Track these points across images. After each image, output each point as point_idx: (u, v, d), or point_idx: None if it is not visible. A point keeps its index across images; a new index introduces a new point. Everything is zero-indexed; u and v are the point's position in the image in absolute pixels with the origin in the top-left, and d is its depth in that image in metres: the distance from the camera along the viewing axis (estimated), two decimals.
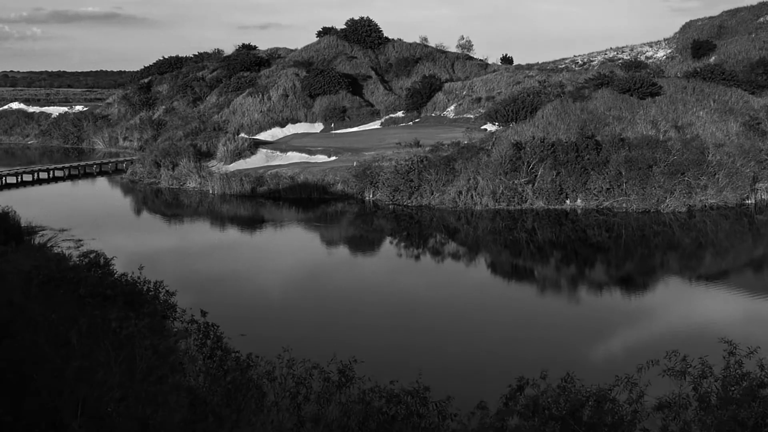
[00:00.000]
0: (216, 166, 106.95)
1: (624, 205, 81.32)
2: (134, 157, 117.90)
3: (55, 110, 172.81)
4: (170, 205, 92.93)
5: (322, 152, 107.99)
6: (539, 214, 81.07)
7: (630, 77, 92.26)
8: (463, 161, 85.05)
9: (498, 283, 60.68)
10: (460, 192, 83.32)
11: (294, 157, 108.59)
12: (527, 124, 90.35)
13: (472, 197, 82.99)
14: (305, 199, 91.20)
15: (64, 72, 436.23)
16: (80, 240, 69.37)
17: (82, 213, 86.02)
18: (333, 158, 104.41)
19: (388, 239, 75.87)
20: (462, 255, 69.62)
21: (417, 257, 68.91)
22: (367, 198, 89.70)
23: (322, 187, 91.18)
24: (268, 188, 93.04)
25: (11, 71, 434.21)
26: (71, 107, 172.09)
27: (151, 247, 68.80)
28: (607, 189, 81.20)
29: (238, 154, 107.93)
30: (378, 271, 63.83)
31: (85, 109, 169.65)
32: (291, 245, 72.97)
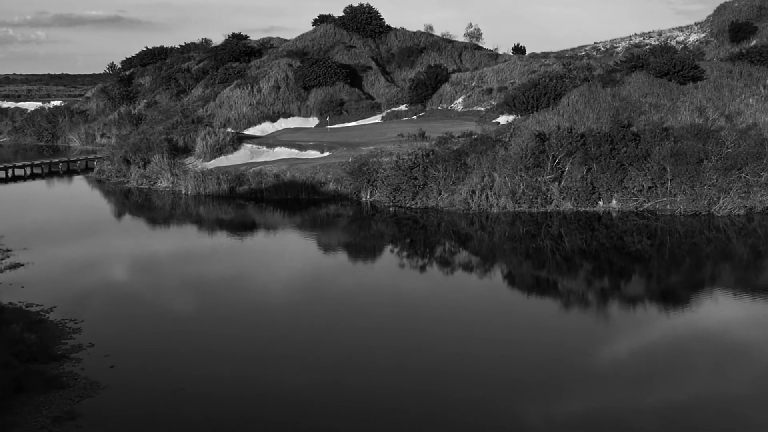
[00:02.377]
0: (193, 163, 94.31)
1: (669, 206, 68.43)
2: (101, 155, 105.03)
3: (31, 105, 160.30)
4: (134, 208, 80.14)
5: (314, 147, 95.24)
6: (567, 218, 68.37)
7: (668, 59, 79.26)
8: (477, 155, 72.17)
9: (517, 301, 48.70)
10: (473, 191, 70.50)
11: (282, 153, 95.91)
12: (550, 112, 77.59)
13: (487, 198, 70.17)
14: (292, 201, 78.47)
15: (66, 75, 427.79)
16: (9, 251, 56.88)
17: (29, 218, 73.37)
18: (326, 154, 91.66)
19: (388, 248, 63.39)
20: (475, 266, 57.39)
21: (422, 268, 56.94)
22: (363, 199, 76.98)
23: (312, 187, 78.45)
24: (249, 188, 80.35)
25: (13, 74, 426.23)
26: (48, 102, 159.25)
27: (81, 260, 56.10)
28: (649, 188, 68.30)
29: (219, 150, 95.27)
30: (376, 287, 51.69)
31: (62, 104, 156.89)
32: (267, 258, 60.14)
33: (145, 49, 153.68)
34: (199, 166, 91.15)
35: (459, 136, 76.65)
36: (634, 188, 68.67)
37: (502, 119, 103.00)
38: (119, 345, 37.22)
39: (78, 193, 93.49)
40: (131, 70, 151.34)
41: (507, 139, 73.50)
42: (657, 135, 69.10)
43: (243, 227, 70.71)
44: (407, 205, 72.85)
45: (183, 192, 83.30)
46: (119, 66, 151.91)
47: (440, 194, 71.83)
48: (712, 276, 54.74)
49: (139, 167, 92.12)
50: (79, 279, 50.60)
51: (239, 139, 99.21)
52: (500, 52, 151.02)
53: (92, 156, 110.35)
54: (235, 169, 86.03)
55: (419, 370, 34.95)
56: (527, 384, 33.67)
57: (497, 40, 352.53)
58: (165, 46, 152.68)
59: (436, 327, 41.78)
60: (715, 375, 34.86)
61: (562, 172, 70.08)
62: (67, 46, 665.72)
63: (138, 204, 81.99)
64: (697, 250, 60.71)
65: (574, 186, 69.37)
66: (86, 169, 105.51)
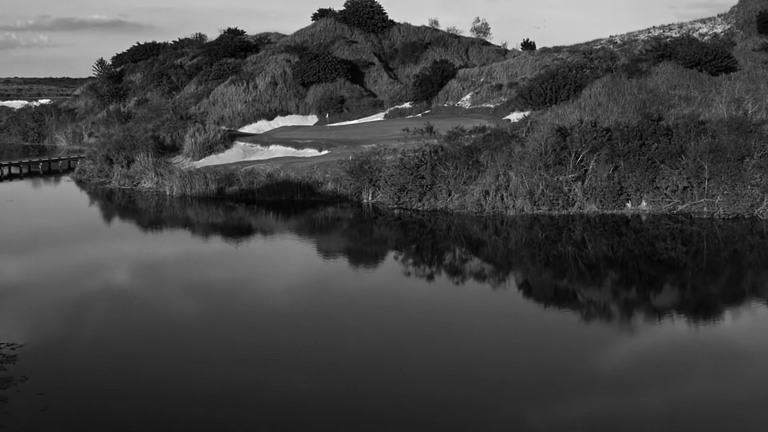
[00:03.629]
0: (181, 162, 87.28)
1: (706, 208, 61.27)
2: (82, 154, 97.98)
3: (18, 104, 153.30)
4: (110, 211, 72.90)
5: (311, 145, 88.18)
6: (591, 221, 61.31)
7: (699, 48, 72.06)
8: (490, 152, 65.05)
9: (534, 314, 42.13)
10: (487, 192, 63.38)
11: (277, 151, 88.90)
12: (570, 105, 70.38)
13: (502, 199, 63.06)
14: (286, 202, 71.37)
15: (67, 78, 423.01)
16: None
17: None
18: (324, 152, 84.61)
19: (392, 254, 56.38)
20: (488, 275, 50.53)
21: (429, 277, 50.02)
22: (365, 200, 69.89)
23: (308, 187, 71.35)
24: (239, 188, 73.25)
25: (15, 77, 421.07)
26: (35, 100, 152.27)
27: (37, 273, 48.82)
28: (684, 188, 61.08)
29: (209, 148, 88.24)
30: (378, 297, 44.92)
31: (50, 102, 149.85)
32: (257, 269, 52.98)
33: (136, 44, 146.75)
34: (187, 166, 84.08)
35: (470, 131, 69.42)
36: (667, 188, 61.47)
37: (514, 116, 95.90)
38: (61, 379, 29.98)
39: (54, 195, 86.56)
40: (122, 66, 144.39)
41: (523, 135, 66.32)
42: (692, 129, 61.85)
43: (230, 232, 63.52)
44: (413, 207, 65.77)
45: (167, 193, 76.19)
46: (110, 62, 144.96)
47: (450, 195, 64.71)
48: (755, 287, 47.69)
49: (122, 166, 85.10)
50: (30, 295, 43.40)
51: (231, 137, 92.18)
52: (509, 47, 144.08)
53: (75, 156, 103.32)
54: (224, 168, 78.93)
55: (427, 385, 29.95)
56: (542, 404, 26.66)
57: (502, 41, 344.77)
58: (158, 41, 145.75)
59: (443, 338, 36.26)
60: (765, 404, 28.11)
61: (586, 170, 62.96)
62: (70, 50, 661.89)
63: (116, 206, 74.87)
64: (739, 258, 53.59)
65: (600, 186, 62.23)
66: (69, 170, 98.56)
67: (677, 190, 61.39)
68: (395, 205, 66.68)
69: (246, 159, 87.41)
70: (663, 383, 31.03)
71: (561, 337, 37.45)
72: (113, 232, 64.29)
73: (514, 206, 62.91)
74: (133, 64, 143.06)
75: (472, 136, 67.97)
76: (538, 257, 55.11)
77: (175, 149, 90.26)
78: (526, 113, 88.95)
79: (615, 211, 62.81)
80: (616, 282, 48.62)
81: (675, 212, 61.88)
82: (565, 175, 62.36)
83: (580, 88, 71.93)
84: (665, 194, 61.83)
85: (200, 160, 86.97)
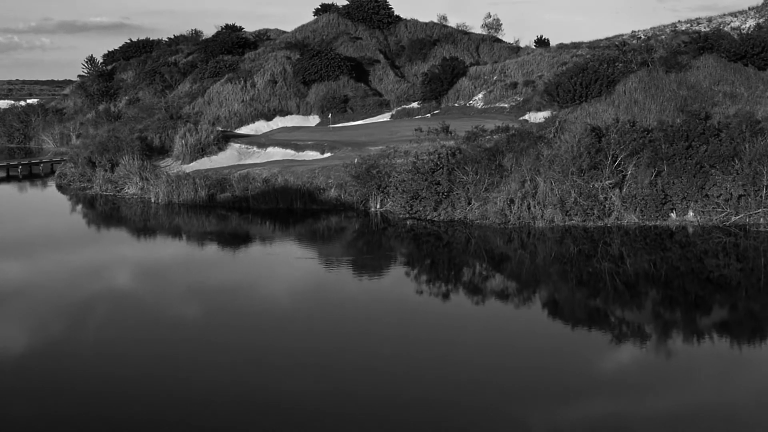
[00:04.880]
0: (171, 165, 79.75)
1: (764, 220, 53.72)
2: (65, 156, 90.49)
3: (5, 104, 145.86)
4: (83, 221, 65.25)
5: (312, 147, 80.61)
6: (630, 234, 53.95)
7: (744, 39, 64.41)
8: (515, 155, 57.44)
9: (563, 339, 36.16)
10: (512, 200, 55.83)
11: (276, 153, 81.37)
12: (603, 102, 62.71)
13: (529, 208, 55.51)
14: (284, 211, 63.87)
15: (69, 81, 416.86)
16: None
17: None
18: (327, 155, 77.05)
19: (403, 270, 48.98)
20: (511, 294, 44.11)
21: (445, 296, 43.56)
22: (372, 209, 62.34)
23: (309, 194, 63.82)
24: (232, 195, 65.73)
25: (16, 80, 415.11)
26: (24, 100, 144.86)
27: None
28: (739, 196, 53.45)
29: (201, 150, 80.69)
30: (389, 318, 38.06)
31: (37, 102, 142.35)
32: (248, 293, 45.40)
33: (128, 41, 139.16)
34: (177, 169, 76.52)
35: (492, 131, 61.78)
36: (718, 196, 53.85)
37: (531, 117, 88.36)
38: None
39: (26, 202, 79.09)
40: (113, 64, 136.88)
41: (551, 136, 58.73)
42: (747, 129, 54.22)
43: (218, 246, 55.98)
44: (428, 217, 58.15)
45: (152, 200, 68.64)
46: (101, 60, 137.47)
47: (470, 203, 57.08)
48: None
49: (106, 170, 77.53)
50: None
51: (226, 138, 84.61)
52: (522, 45, 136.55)
53: (59, 158, 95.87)
54: (216, 172, 71.35)
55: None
56: None
57: (515, 38, 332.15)
58: (151, 38, 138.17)
59: (458, 363, 31.82)
60: None
61: (624, 176, 55.36)
62: (72, 53, 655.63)
63: (91, 216, 67.55)
64: None
65: (640, 193, 54.68)
66: (51, 173, 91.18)
67: (730, 198, 53.73)
68: (407, 215, 59.09)
69: (241, 162, 79.91)
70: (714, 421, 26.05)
71: (593, 366, 32.11)
72: (74, 246, 56.59)
73: (542, 216, 55.32)
74: (125, 61, 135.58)
75: (494, 136, 60.26)
76: (569, 274, 47.78)
77: (164, 151, 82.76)
78: (546, 113, 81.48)
79: (658, 223, 55.26)
80: (658, 303, 41.84)
81: (727, 224, 54.26)
82: (601, 182, 54.76)
83: (613, 83, 64.33)
84: (716, 203, 54.17)
85: (191, 164, 79.45)
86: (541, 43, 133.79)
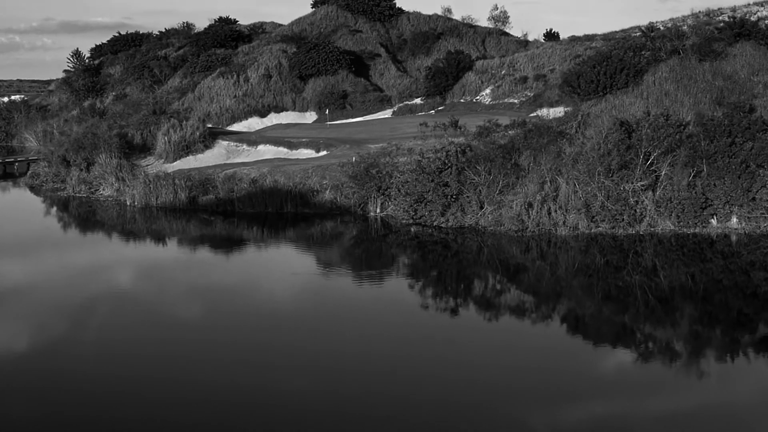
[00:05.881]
0: (153, 164, 73.19)
1: None
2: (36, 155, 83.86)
3: None
4: (42, 228, 58.12)
5: (307, 145, 73.97)
6: (665, 242, 47.39)
7: None
8: (533, 153, 50.70)
9: (586, 359, 31.58)
10: (530, 204, 49.13)
11: (267, 151, 74.82)
12: (629, 94, 56.00)
13: (549, 213, 48.84)
14: (272, 215, 57.24)
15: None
16: None
17: None
18: (322, 153, 70.43)
19: (406, 283, 42.58)
20: (528, 310, 38.16)
21: (453, 311, 37.87)
22: (372, 213, 55.67)
23: (301, 196, 57.15)
24: (215, 197, 59.04)
25: (17, 80, 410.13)
26: (6, 96, 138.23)
27: None
28: None
29: (186, 148, 74.13)
30: (390, 335, 32.70)
31: (21, 98, 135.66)
32: (231, 316, 38.73)
33: (117, 35, 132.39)
34: (161, 169, 69.91)
35: (506, 126, 55.00)
36: (767, 201, 47.06)
37: (543, 113, 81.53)
38: None
39: None
40: (100, 59, 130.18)
41: (573, 131, 51.99)
42: None
43: (194, 256, 49.24)
44: (434, 223, 51.40)
45: (128, 203, 62.00)
46: (87, 54, 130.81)
47: (482, 208, 50.33)
48: None
49: (81, 170, 70.98)
50: None
51: (213, 135, 77.96)
52: (530, 38, 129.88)
53: (36, 157, 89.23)
54: (200, 172, 64.68)
55: None
56: None
57: (522, 31, 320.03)
58: (141, 31, 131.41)
59: (466, 385, 27.79)
60: None
61: (658, 176, 48.62)
62: None
63: (55, 222, 60.75)
64: None
65: (677, 197, 47.99)
66: (27, 173, 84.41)
67: None
68: (411, 220, 52.36)
69: (229, 161, 73.34)
70: None
71: (619, 391, 27.78)
72: (54, 259, 49.84)
73: (565, 223, 48.64)
74: (112, 56, 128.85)
75: (509, 132, 53.43)
76: (595, 288, 41.33)
77: (146, 150, 76.19)
78: (559, 109, 74.69)
79: (696, 230, 48.51)
80: (696, 321, 35.99)
81: None
82: (632, 183, 48.01)
83: (640, 73, 57.55)
84: (765, 208, 47.42)
85: (174, 163, 72.87)
86: (551, 36, 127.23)
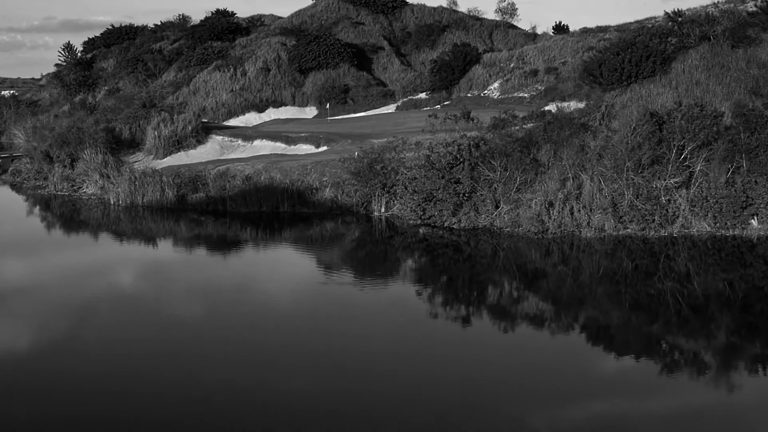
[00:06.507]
0: (142, 161, 68.63)
1: None
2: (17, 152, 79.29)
3: None
4: (23, 232, 53.50)
5: (306, 140, 69.36)
6: (700, 245, 42.87)
7: None
8: (552, 146, 46.05)
9: (611, 376, 27.81)
10: (550, 203, 44.50)
11: (264, 147, 70.18)
12: (656, 84, 51.33)
13: (572, 213, 44.19)
14: (268, 215, 52.65)
15: None
16: None
17: None
18: (323, 149, 65.84)
19: (413, 289, 38.15)
20: (548, 320, 33.73)
21: (465, 320, 33.79)
22: (376, 213, 51.04)
23: (298, 194, 52.56)
24: (206, 195, 54.46)
25: (18, 78, 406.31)
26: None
27: None
28: None
29: (177, 143, 69.47)
30: (398, 345, 28.04)
31: (11, 93, 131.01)
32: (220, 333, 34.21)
33: (110, 27, 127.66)
34: (148, 165, 65.35)
35: (524, 117, 50.30)
36: None
37: (555, 107, 76.82)
38: None
39: None
40: (93, 52, 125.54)
41: (597, 124, 47.33)
42: None
43: (178, 261, 44.63)
44: (445, 224, 46.72)
45: (111, 201, 57.41)
46: (80, 48, 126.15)
47: (497, 207, 45.67)
48: None
49: (65, 166, 66.44)
50: None
51: (206, 130, 73.30)
52: (539, 31, 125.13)
53: (20, 154, 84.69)
54: (190, 169, 60.06)
55: None
56: None
57: (531, 23, 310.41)
58: (135, 24, 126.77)
59: (478, 398, 25.00)
60: None
61: (692, 172, 43.98)
62: None
63: (28, 225, 56.01)
64: None
65: (713, 195, 43.37)
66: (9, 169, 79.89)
67: None
68: (419, 221, 47.68)
69: (223, 157, 68.73)
70: None
71: (646, 411, 24.09)
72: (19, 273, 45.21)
73: (589, 223, 43.97)
74: (105, 49, 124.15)
75: (527, 125, 48.69)
76: (622, 296, 36.88)
77: (135, 145, 71.52)
78: (573, 102, 70.01)
79: (735, 232, 43.84)
80: (734, 333, 31.81)
81: None
82: (664, 180, 43.35)
83: (667, 61, 52.85)
84: None
85: (164, 159, 68.23)
86: (560, 29, 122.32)
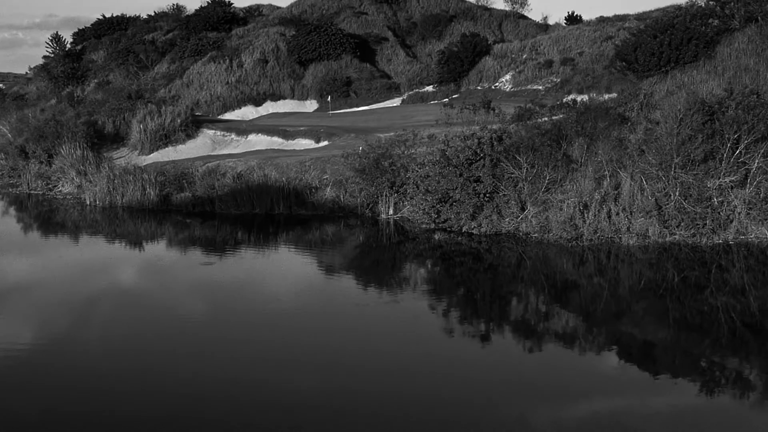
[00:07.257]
0: (126, 156, 63.00)
1: None
2: None
3: None
4: None
5: (305, 135, 63.68)
6: (757, 254, 37.19)
7: None
8: (586, 140, 40.26)
9: (650, 403, 22.13)
10: (585, 206, 38.73)
11: (260, 142, 64.66)
12: (699, 69, 45.49)
13: (609, 217, 38.40)
14: (261, 217, 46.94)
15: None
16: None
17: None
18: (323, 143, 60.22)
19: (427, 302, 32.49)
20: (579, 339, 28.18)
21: (485, 338, 28.52)
22: (383, 216, 45.29)
23: (296, 194, 46.83)
24: (192, 195, 48.72)
25: (9, 73, 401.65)
26: None
27: None
28: None
29: (165, 138, 63.96)
30: (411, 364, 22.43)
31: None
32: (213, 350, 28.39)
33: (101, 17, 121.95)
34: (132, 161, 59.75)
35: (552, 107, 44.50)
36: None
37: (570, 97, 71.10)
38: None
39: None
40: (83, 44, 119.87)
41: (635, 115, 41.50)
42: None
43: (156, 274, 38.81)
44: (463, 229, 40.96)
45: (87, 202, 51.68)
46: (69, 39, 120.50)
47: (523, 210, 39.86)
48: None
49: (42, 162, 60.82)
50: None
51: (197, 124, 67.60)
52: (551, 22, 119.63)
53: None
54: (177, 165, 54.34)
55: None
56: None
57: (542, 14, 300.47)
58: (126, 14, 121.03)
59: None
60: None
61: (749, 170, 38.19)
62: None
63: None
64: None
65: None
66: None
67: None
68: (433, 224, 41.89)
69: (215, 152, 63.17)
70: None
71: None
72: None
73: (630, 229, 38.18)
74: (96, 40, 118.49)
75: (554, 117, 42.84)
76: (668, 313, 31.00)
77: (119, 140, 65.94)
78: (584, 97, 64.13)
79: None
80: None
81: None
82: (718, 178, 37.55)
83: (711, 44, 47.05)
84: None
85: (151, 155, 62.68)
86: (573, 20, 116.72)
